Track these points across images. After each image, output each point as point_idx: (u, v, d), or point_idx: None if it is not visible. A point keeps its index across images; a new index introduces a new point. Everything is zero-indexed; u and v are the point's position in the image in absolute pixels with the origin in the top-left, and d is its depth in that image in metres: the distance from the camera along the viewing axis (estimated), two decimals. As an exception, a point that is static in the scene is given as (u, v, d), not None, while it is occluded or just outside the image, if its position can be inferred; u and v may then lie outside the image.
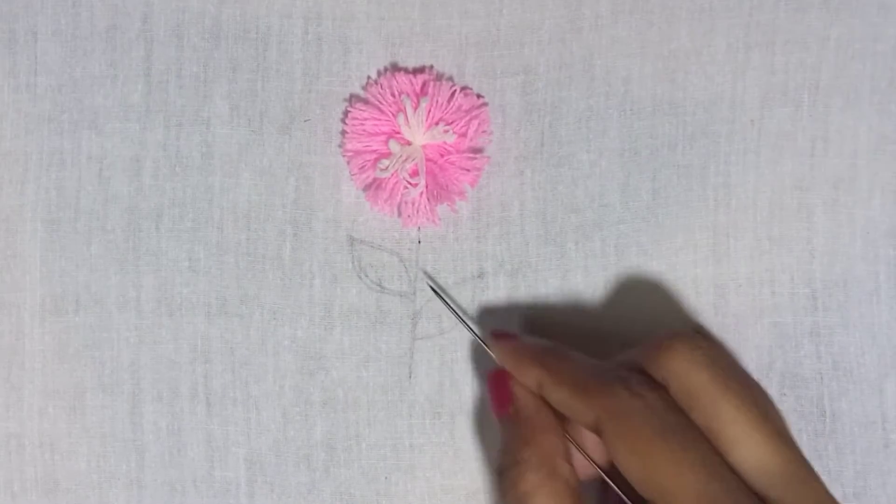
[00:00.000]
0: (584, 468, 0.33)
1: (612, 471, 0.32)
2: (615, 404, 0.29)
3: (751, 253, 0.38)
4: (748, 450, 0.29)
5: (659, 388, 0.30)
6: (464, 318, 0.37)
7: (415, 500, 0.38)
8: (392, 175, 0.36)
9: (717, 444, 0.29)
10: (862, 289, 0.38)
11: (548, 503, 0.30)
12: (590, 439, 0.32)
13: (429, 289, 0.38)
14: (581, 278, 0.38)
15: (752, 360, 0.38)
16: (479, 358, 0.38)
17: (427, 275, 0.37)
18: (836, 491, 0.38)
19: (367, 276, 0.38)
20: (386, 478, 0.38)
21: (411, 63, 0.38)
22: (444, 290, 0.37)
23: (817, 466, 0.37)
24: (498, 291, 0.38)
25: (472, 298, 0.38)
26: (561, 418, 0.33)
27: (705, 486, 0.28)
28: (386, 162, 0.36)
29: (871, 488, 0.38)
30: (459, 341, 0.38)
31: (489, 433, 0.38)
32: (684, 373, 0.30)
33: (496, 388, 0.34)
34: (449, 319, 0.38)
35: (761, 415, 0.29)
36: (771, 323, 0.38)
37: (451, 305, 0.37)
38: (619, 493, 0.31)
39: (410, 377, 0.38)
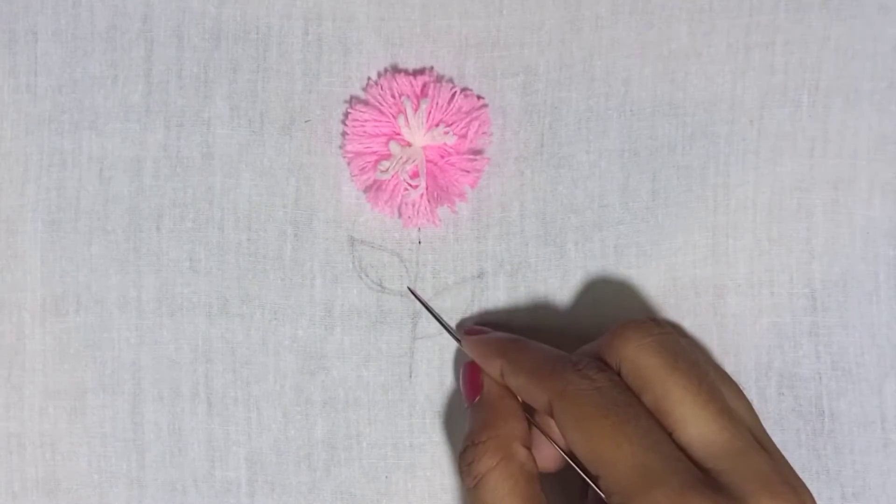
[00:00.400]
0: (556, 459, 0.34)
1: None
2: (564, 386, 0.31)
3: (750, 253, 0.38)
4: (695, 428, 0.30)
5: (608, 370, 0.31)
6: (439, 317, 0.37)
7: (415, 500, 0.38)
8: (392, 176, 0.36)
9: (667, 424, 0.30)
10: (861, 289, 0.38)
11: (501, 484, 0.32)
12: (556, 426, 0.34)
13: (428, 289, 0.38)
14: (581, 279, 0.38)
15: (750, 360, 0.38)
16: (462, 356, 0.38)
17: (410, 290, 0.38)
18: (835, 490, 0.38)
19: (367, 276, 0.38)
20: (386, 477, 0.38)
21: (411, 64, 0.38)
22: (419, 297, 0.38)
23: (816, 466, 0.38)
24: (498, 292, 0.38)
25: (471, 298, 0.38)
26: (529, 408, 0.34)
27: (642, 456, 0.29)
28: (386, 163, 0.36)
29: (870, 488, 0.38)
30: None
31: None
32: (635, 357, 0.31)
33: (467, 378, 0.36)
34: (449, 319, 0.38)
35: (708, 395, 0.30)
36: (770, 323, 0.38)
37: (428, 307, 0.37)
38: (579, 469, 0.32)
39: (411, 376, 0.38)
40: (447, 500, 0.38)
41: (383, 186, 0.37)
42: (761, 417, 0.37)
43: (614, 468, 0.29)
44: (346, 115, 0.37)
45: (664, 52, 0.38)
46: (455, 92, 0.37)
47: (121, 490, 0.38)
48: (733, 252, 0.38)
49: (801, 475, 0.37)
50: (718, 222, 0.38)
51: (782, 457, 0.31)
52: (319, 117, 0.38)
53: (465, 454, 0.33)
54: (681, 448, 0.30)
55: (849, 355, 0.38)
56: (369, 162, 0.37)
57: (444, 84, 0.37)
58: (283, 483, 0.38)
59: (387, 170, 0.36)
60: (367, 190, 0.37)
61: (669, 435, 0.30)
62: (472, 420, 0.34)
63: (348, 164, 0.37)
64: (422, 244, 0.38)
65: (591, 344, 0.34)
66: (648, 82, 0.38)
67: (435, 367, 0.38)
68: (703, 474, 0.29)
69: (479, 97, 0.38)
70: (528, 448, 0.33)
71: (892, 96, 0.38)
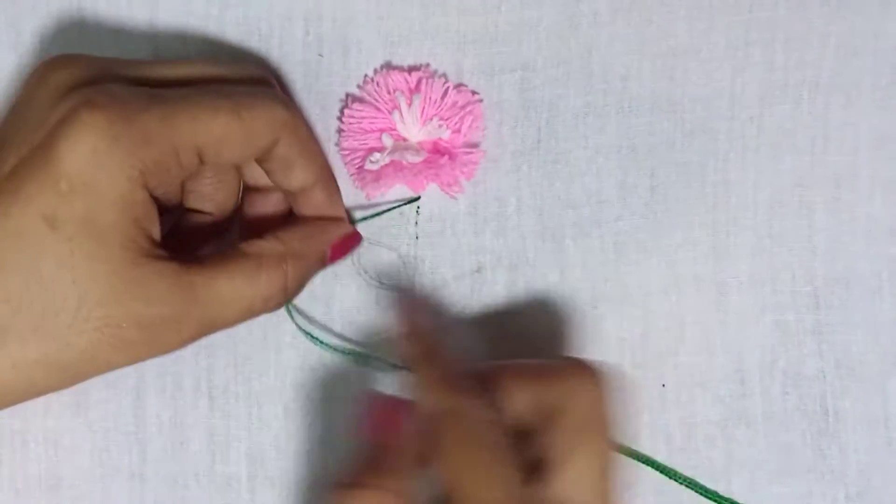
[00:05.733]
0: None
1: None
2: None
3: (751, 250, 0.38)
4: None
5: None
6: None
7: (413, 497, 0.38)
8: (390, 162, 0.36)
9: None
10: (864, 287, 0.38)
11: None
12: None
13: (427, 284, 0.38)
14: (579, 274, 0.38)
15: (754, 359, 0.38)
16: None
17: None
18: (838, 490, 0.37)
19: (366, 272, 0.38)
20: (385, 474, 0.38)
21: (410, 61, 0.38)
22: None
23: (820, 466, 0.37)
24: (496, 287, 0.38)
25: (470, 293, 0.38)
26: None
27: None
28: (378, 155, 0.36)
29: (874, 488, 0.37)
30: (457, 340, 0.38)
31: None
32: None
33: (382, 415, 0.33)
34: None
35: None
36: (773, 321, 0.38)
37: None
38: None
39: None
40: (446, 496, 0.38)
41: (381, 178, 0.37)
42: (767, 417, 0.37)
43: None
44: (342, 112, 0.38)
45: (663, 49, 0.38)
46: (448, 87, 0.37)
47: (122, 484, 0.38)
48: (734, 249, 0.38)
49: (805, 475, 0.37)
50: (718, 219, 0.38)
51: None
52: (319, 116, 0.38)
53: (343, 491, 0.30)
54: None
55: (852, 354, 0.38)
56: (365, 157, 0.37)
57: (436, 80, 0.37)
58: (283, 479, 0.38)
59: (377, 161, 0.36)
60: (364, 186, 0.37)
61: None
62: (364, 454, 0.32)
63: (344, 161, 0.37)
64: (419, 239, 0.38)
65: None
66: (647, 79, 0.38)
67: (434, 363, 0.38)
68: None
69: (473, 92, 0.38)
70: None
71: (894, 93, 0.38)
